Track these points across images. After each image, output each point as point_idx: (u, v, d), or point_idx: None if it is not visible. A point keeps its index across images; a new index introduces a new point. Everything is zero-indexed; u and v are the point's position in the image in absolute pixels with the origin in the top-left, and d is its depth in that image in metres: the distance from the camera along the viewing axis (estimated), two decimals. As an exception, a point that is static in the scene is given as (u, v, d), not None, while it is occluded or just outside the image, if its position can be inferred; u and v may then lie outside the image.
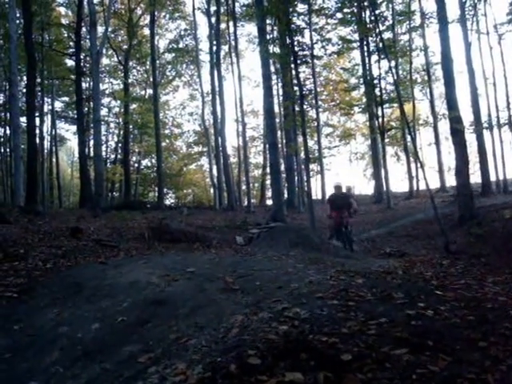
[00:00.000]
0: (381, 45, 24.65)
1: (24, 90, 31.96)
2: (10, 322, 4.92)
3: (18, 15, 26.05)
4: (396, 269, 7.07)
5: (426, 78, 35.66)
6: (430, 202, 13.66)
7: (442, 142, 37.15)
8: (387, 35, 30.09)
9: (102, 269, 7.37)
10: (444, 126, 40.04)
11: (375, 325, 3.60)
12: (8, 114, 34.56)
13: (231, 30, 34.79)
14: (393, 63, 28.16)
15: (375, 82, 28.35)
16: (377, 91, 28.13)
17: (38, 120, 33.17)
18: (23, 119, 27.55)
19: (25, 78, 30.94)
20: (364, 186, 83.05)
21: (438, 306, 4.20)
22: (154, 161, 46.76)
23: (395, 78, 23.64)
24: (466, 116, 25.50)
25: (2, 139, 37.55)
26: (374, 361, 2.93)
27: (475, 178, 30.04)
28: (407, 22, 32.61)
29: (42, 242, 10.59)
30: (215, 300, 5.09)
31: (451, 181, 34.83)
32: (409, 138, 30.39)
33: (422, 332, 3.41)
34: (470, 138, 27.48)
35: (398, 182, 56.42)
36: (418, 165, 28.56)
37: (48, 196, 39.33)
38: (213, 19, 34.14)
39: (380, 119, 28.02)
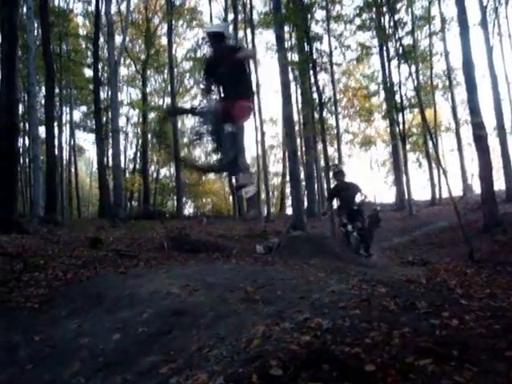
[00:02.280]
0: (400, 50, 24.62)
1: (43, 101, 32.23)
2: (31, 333, 4.96)
3: (35, 26, 26.28)
4: (419, 277, 7.03)
5: (447, 83, 35.35)
6: (453, 209, 13.56)
7: (465, 148, 36.77)
8: (407, 40, 29.96)
9: (121, 279, 7.40)
10: (466, 132, 39.68)
11: (399, 335, 3.57)
12: (27, 125, 34.84)
13: (249, 37, 34.83)
14: (413, 69, 28.01)
15: (395, 87, 28.25)
16: (397, 97, 28.01)
17: (56, 130, 33.37)
18: (42, 129, 27.78)
19: (43, 88, 31.19)
20: (385, 194, 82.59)
21: (463, 315, 4.16)
22: (172, 170, 46.89)
23: (416, 83, 23.57)
24: (489, 121, 25.33)
25: (21, 150, 37.81)
26: (398, 371, 2.91)
27: (499, 184, 29.81)
28: (427, 27, 32.42)
29: (61, 253, 10.64)
30: (236, 310, 5.09)
31: (475, 187, 34.58)
32: (430, 145, 30.16)
33: (447, 342, 3.38)
34: (494, 144, 27.28)
35: (419, 189, 56.03)
36: (441, 171, 28.43)
37: (67, 206, 39.56)
38: (230, 27, 34.25)
39: (401, 125, 27.89)
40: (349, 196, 13.09)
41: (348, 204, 13.11)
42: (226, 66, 7.60)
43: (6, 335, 4.90)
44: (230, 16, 34.70)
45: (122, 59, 35.70)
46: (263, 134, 34.63)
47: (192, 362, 3.74)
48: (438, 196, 33.37)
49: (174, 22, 39.31)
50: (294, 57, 28.12)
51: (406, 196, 28.79)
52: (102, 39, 33.99)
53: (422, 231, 19.38)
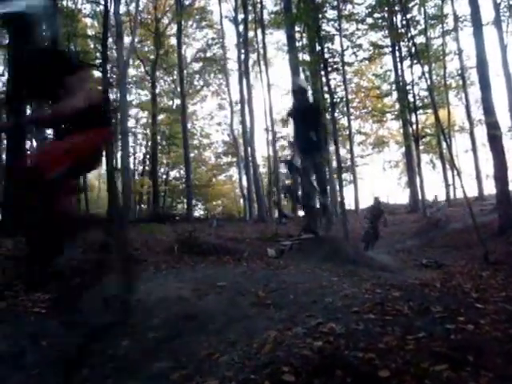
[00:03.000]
0: (413, 50, 24.58)
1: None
2: (38, 338, 4.95)
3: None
4: (434, 281, 6.99)
5: (460, 82, 35.37)
6: (467, 210, 13.51)
7: (479, 149, 36.71)
8: (419, 39, 29.94)
9: (130, 283, 7.41)
10: (481, 132, 39.64)
11: (413, 340, 3.55)
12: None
13: (259, 37, 35.07)
14: (426, 68, 28.01)
15: (408, 87, 28.20)
16: (410, 97, 27.97)
17: (64, 132, 33.38)
18: (50, 131, 27.86)
19: (51, 90, 31.29)
20: (398, 195, 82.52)
21: (479, 319, 4.14)
22: (182, 172, 47.00)
23: (429, 83, 23.50)
24: (504, 121, 25.26)
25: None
26: (413, 377, 2.89)
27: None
28: (440, 26, 32.38)
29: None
30: (247, 315, 5.07)
31: (489, 188, 34.49)
32: (444, 145, 30.18)
33: (462, 347, 3.36)
34: (509, 144, 27.20)
35: (434, 191, 56.01)
36: (455, 172, 28.38)
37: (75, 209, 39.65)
38: (240, 27, 34.38)
39: (414, 126, 27.87)
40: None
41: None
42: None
43: (12, 340, 4.89)
44: (240, 16, 34.74)
45: (131, 60, 35.82)
46: (274, 135, 34.72)
47: (202, 368, 3.73)
48: (452, 197, 33.32)
49: (183, 22, 39.39)
50: (305, 57, 28.06)
51: (420, 197, 28.72)
52: (110, 40, 34.10)
53: (437, 233, 19.33)
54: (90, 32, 42.50)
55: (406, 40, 28.43)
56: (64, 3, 36.14)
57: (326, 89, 21.30)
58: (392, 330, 3.87)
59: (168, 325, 5.04)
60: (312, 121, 11.68)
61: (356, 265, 10.79)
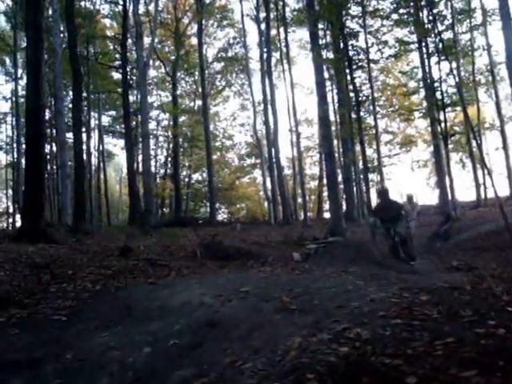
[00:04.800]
0: (440, 45, 24.42)
1: (70, 105, 32.59)
2: (58, 347, 4.98)
3: (61, 28, 26.60)
4: (463, 284, 6.95)
5: (490, 78, 35.02)
6: (499, 211, 13.40)
7: (511, 146, 36.39)
8: (447, 35, 29.58)
9: (152, 289, 7.43)
10: (512, 129, 39.30)
11: (442, 345, 3.52)
12: (54, 130, 35.27)
13: (282, 36, 34.88)
14: (454, 64, 27.73)
15: (436, 84, 28.01)
16: (438, 94, 27.77)
17: (84, 135, 33.69)
18: (69, 135, 28.08)
19: (70, 92, 31.55)
20: (428, 196, 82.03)
21: (510, 323, 4.09)
22: (204, 175, 47.01)
23: (457, 79, 23.37)
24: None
25: (49, 156, 38.22)
26: (441, 383, 2.88)
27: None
28: (468, 21, 32.10)
29: (90, 263, 10.74)
30: (271, 321, 5.07)
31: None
32: (474, 143, 29.91)
33: (493, 352, 3.32)
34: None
35: (463, 191, 55.42)
36: (485, 171, 28.14)
37: (96, 214, 39.91)
38: (262, 26, 34.31)
39: (442, 124, 27.62)
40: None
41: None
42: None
43: (32, 349, 4.93)
44: (262, 14, 34.75)
45: (151, 61, 36.00)
46: (298, 136, 34.61)
47: (225, 376, 3.73)
48: (483, 197, 33.03)
49: (204, 22, 39.48)
50: (329, 55, 28.00)
51: (450, 198, 28.47)
52: (130, 41, 34.28)
53: (467, 235, 19.14)
54: (108, 33, 42.82)
55: (432, 36, 28.17)
56: (82, 4, 36.49)
57: (350, 87, 21.22)
58: (420, 335, 3.84)
59: (190, 331, 5.06)
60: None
61: (383, 268, 10.77)
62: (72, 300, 6.95)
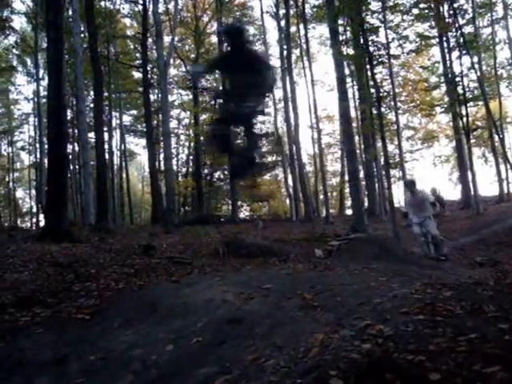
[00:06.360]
0: (461, 40, 24.26)
1: (91, 105, 32.76)
2: (82, 345, 5.01)
3: (82, 29, 26.74)
4: (487, 279, 6.90)
5: None
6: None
7: (534, 141, 36.12)
8: (468, 29, 29.40)
9: (175, 287, 7.45)
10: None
11: (465, 341, 3.49)
12: (76, 130, 35.48)
13: (302, 32, 34.85)
14: (475, 59, 27.54)
15: (457, 79, 27.85)
16: (459, 89, 27.61)
17: (106, 135, 33.86)
18: (91, 135, 28.23)
19: (92, 92, 31.73)
20: (450, 191, 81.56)
21: (534, 319, 4.07)
22: (226, 172, 47.01)
23: (478, 74, 23.21)
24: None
25: (71, 156, 38.43)
26: (465, 380, 2.85)
27: None
28: (489, 14, 31.90)
29: (113, 261, 10.80)
30: (293, 318, 5.06)
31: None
32: (496, 138, 29.72)
33: (517, 347, 3.31)
34: None
35: (486, 186, 55.09)
36: (508, 166, 27.94)
37: (119, 213, 40.10)
38: (282, 22, 34.22)
39: (464, 119, 27.45)
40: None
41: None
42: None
43: (55, 348, 4.96)
44: (282, 11, 34.68)
45: (172, 60, 36.01)
46: (319, 132, 34.59)
47: (248, 373, 3.73)
48: (506, 192, 32.74)
49: (223, 19, 39.46)
50: (349, 51, 27.88)
51: (473, 193, 28.29)
52: (150, 40, 34.40)
53: (490, 230, 19.03)
54: (129, 32, 43.01)
55: (453, 30, 28.06)
56: (102, 4, 36.67)
57: (371, 83, 21.09)
58: (443, 331, 3.82)
59: (212, 329, 5.07)
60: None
61: (405, 264, 10.72)
62: (95, 299, 6.98)
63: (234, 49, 7.96)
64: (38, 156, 37.54)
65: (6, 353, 5.00)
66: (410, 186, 14.62)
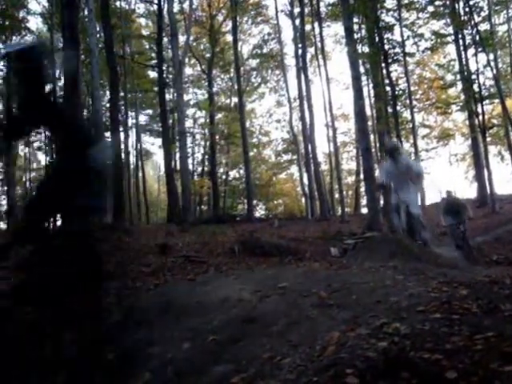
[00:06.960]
0: (477, 37, 24.15)
1: (107, 105, 32.89)
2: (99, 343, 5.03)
3: (97, 29, 26.84)
4: (503, 278, 6.87)
5: (528, 69, 34.61)
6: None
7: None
8: (484, 27, 29.27)
9: (191, 286, 7.47)
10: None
11: (482, 339, 3.47)
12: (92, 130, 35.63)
13: (317, 31, 34.90)
14: (491, 56, 27.40)
15: (473, 77, 27.72)
16: (475, 87, 27.48)
17: (122, 134, 33.97)
18: (107, 134, 28.34)
19: (108, 92, 31.86)
20: (466, 190, 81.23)
21: (551, 317, 4.04)
22: (242, 171, 47.09)
23: (495, 71, 23.07)
24: None
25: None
26: (482, 378, 2.83)
27: None
28: (505, 12, 31.73)
29: (130, 260, 10.84)
30: (309, 316, 5.05)
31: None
32: (513, 136, 29.56)
33: (535, 346, 3.29)
34: None
35: (503, 184, 54.57)
36: (525, 164, 27.81)
37: (135, 212, 40.24)
38: (297, 21, 34.29)
39: (480, 117, 27.32)
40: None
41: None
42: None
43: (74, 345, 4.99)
44: (297, 9, 34.70)
45: (187, 59, 36.15)
46: (335, 131, 34.54)
47: (264, 371, 3.72)
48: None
49: (238, 19, 39.52)
50: (364, 49, 27.84)
51: (489, 191, 28.16)
52: (165, 39, 34.48)
53: (507, 229, 18.94)
54: (144, 32, 43.19)
55: (469, 28, 27.93)
56: (118, 4, 36.83)
57: (387, 81, 21.09)
58: (459, 329, 3.80)
59: (228, 327, 5.08)
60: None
61: (422, 262, 10.68)
62: (113, 297, 7.02)
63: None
64: (54, 156, 37.72)
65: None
66: (392, 152, 12.30)
